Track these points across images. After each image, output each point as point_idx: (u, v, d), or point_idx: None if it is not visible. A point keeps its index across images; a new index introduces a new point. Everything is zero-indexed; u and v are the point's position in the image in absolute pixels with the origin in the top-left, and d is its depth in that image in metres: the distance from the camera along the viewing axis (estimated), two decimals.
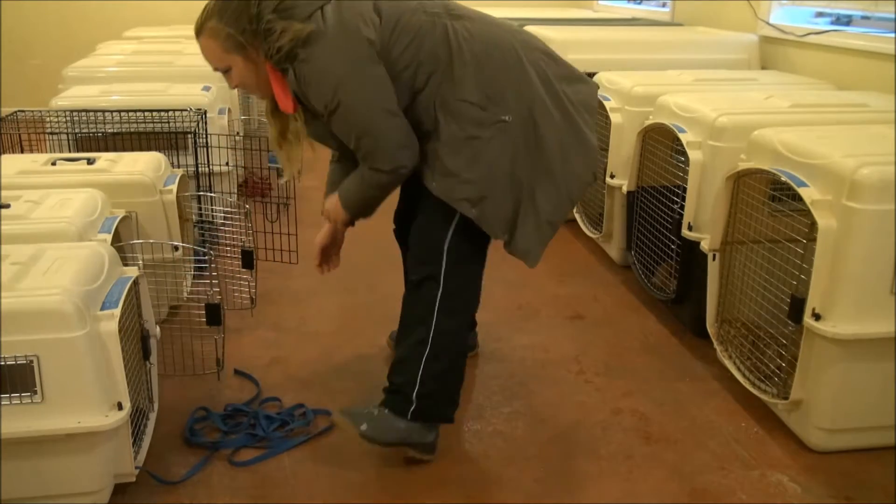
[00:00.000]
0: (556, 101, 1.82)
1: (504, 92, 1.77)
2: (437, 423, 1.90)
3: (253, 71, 1.80)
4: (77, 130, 2.84)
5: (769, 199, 2.11)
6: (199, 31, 1.83)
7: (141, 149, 2.77)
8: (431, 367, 1.83)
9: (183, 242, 2.43)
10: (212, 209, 2.85)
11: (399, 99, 1.76)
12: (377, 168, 1.78)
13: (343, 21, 1.72)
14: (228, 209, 2.95)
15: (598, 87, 1.99)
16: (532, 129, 1.79)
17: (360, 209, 1.92)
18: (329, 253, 2.11)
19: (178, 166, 2.71)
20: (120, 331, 1.60)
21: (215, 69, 1.85)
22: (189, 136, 2.84)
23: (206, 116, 3.01)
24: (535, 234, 1.84)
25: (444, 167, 1.78)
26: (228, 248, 2.81)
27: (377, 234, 3.39)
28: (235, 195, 3.43)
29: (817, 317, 1.83)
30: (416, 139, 1.79)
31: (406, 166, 1.78)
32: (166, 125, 2.86)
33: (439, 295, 1.84)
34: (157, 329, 1.98)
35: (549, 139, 1.80)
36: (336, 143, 1.89)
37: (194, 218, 2.73)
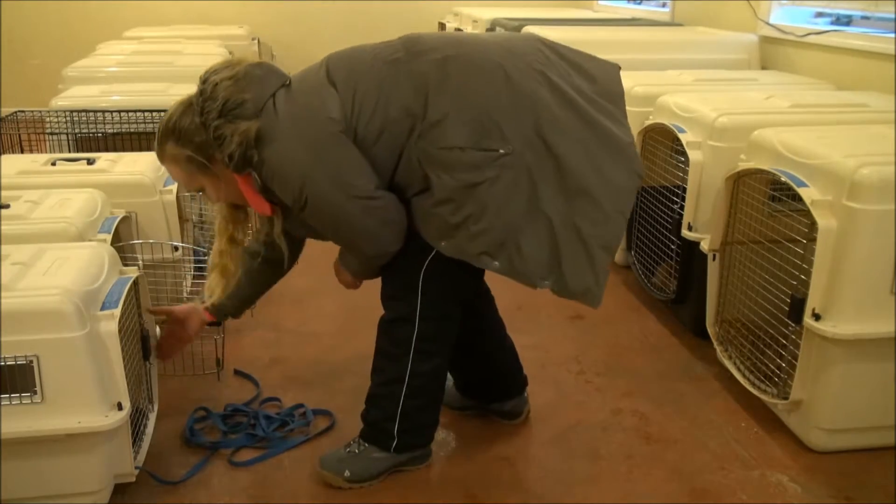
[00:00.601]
0: (567, 104, 1.58)
1: (496, 121, 1.54)
2: (421, 448, 1.87)
3: (223, 186, 1.67)
4: (77, 130, 2.84)
5: (769, 199, 2.11)
6: (161, 157, 1.69)
7: (141, 149, 2.77)
8: (410, 405, 1.77)
9: (183, 242, 2.43)
10: (212, 209, 2.84)
11: (382, 168, 1.59)
12: (363, 255, 1.70)
13: (296, 106, 1.57)
14: None
15: (619, 67, 1.73)
16: (544, 150, 1.55)
17: (365, 274, 1.81)
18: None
19: None
20: (120, 331, 1.60)
21: (191, 191, 1.74)
22: None
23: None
24: (589, 267, 1.60)
25: (447, 225, 1.58)
26: None
27: None
28: None
29: (817, 317, 1.83)
30: (403, 211, 1.63)
31: (392, 250, 1.65)
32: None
33: (414, 337, 1.72)
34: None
35: (569, 155, 1.56)
36: (321, 236, 1.74)
37: (194, 218, 2.73)
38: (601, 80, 1.66)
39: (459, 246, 1.59)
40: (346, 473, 1.79)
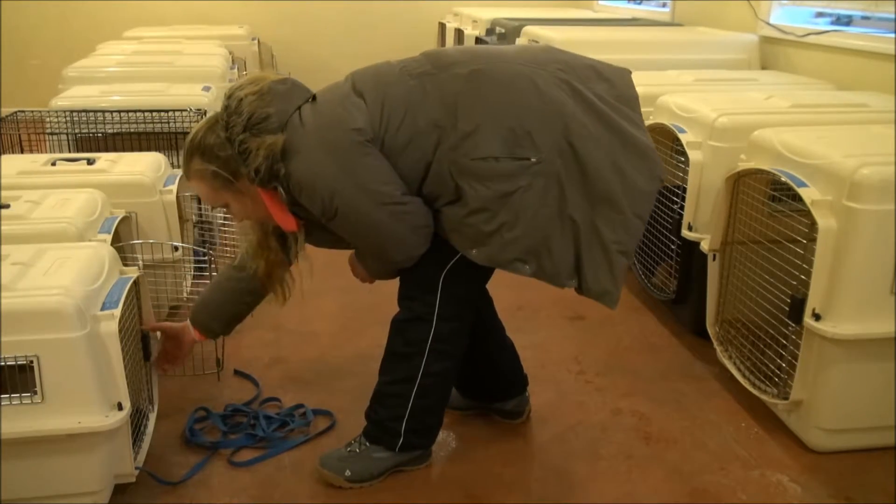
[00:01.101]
0: (590, 110, 1.60)
1: (527, 129, 1.56)
2: (423, 448, 1.87)
3: (249, 203, 1.68)
4: (77, 131, 2.84)
5: (769, 199, 2.11)
6: (187, 173, 1.70)
7: (141, 149, 2.77)
8: (419, 404, 1.78)
9: (183, 242, 2.43)
10: (212, 209, 2.85)
11: (409, 179, 1.61)
12: (391, 261, 1.71)
13: (322, 117, 1.59)
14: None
15: (630, 72, 1.75)
16: (572, 157, 1.58)
17: (383, 277, 1.84)
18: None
19: (178, 166, 2.71)
20: (120, 331, 1.60)
21: (216, 208, 1.76)
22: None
23: (206, 116, 3.01)
24: (608, 271, 1.64)
25: (481, 233, 1.60)
26: (228, 248, 2.81)
27: None
28: None
29: (817, 317, 1.83)
30: (430, 216, 1.65)
31: (420, 250, 1.67)
32: (166, 125, 2.86)
33: (430, 337, 1.73)
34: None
35: (595, 161, 1.59)
36: (344, 245, 1.78)
37: (194, 218, 2.73)
38: (618, 85, 1.68)
39: (492, 253, 1.61)
40: (347, 473, 1.79)
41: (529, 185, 1.56)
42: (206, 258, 2.55)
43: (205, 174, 1.66)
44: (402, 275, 1.78)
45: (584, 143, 1.58)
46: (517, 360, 2.07)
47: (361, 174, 1.57)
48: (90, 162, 2.39)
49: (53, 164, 2.36)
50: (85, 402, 1.55)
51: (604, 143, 1.60)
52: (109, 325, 1.58)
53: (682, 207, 2.43)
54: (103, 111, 2.88)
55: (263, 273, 1.81)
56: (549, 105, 1.58)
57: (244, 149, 1.57)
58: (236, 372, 2.28)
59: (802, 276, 1.88)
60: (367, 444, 1.82)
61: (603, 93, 1.64)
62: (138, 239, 2.27)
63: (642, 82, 2.90)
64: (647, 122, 2.65)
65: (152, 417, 1.91)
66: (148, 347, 1.88)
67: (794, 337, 1.93)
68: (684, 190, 2.41)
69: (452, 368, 1.83)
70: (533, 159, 1.56)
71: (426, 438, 1.86)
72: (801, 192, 1.85)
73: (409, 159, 1.60)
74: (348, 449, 1.83)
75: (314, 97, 1.65)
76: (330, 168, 1.57)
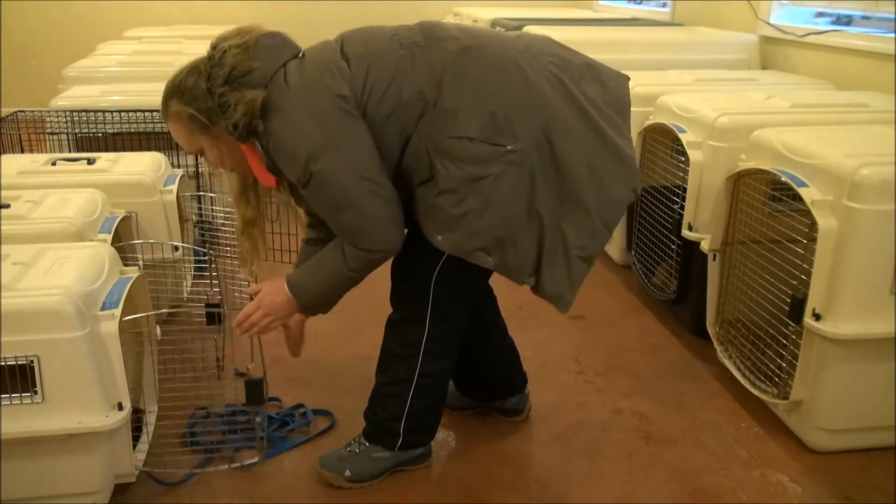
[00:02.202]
0: (577, 110, 1.57)
1: (509, 117, 1.53)
2: (422, 447, 1.87)
3: (225, 150, 1.63)
4: (77, 130, 2.84)
5: (769, 199, 2.11)
6: (164, 115, 1.65)
7: (141, 149, 2.77)
8: (417, 404, 1.77)
9: (183, 242, 2.43)
10: (212, 209, 2.85)
11: (389, 152, 1.57)
12: (364, 248, 1.59)
13: (307, 78, 1.54)
14: (228, 209, 2.95)
15: (629, 79, 1.72)
16: (549, 152, 1.55)
17: (321, 300, 1.70)
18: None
19: (178, 166, 2.71)
20: (120, 331, 1.60)
21: (189, 153, 1.70)
22: None
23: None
24: (566, 275, 1.60)
25: (449, 218, 1.55)
26: (228, 248, 2.80)
27: None
28: None
29: (817, 317, 1.83)
30: (401, 210, 1.60)
31: (396, 244, 1.60)
32: (166, 125, 2.86)
33: (424, 339, 1.71)
34: (158, 329, 1.98)
35: (572, 161, 1.56)
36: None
37: (194, 218, 2.73)
38: (612, 89, 1.65)
39: (457, 241, 1.57)
40: (347, 473, 1.79)
41: (502, 174, 1.52)
42: (206, 258, 2.54)
43: (181, 116, 1.60)
44: (393, 276, 1.75)
45: (564, 141, 1.55)
46: (517, 357, 2.07)
47: (344, 142, 1.52)
48: (90, 162, 2.39)
49: (53, 163, 2.36)
50: (85, 401, 1.55)
51: (584, 145, 1.57)
52: (109, 325, 1.58)
53: (682, 207, 2.43)
54: (103, 111, 2.88)
55: (238, 228, 1.77)
56: (534, 96, 1.55)
57: (223, 102, 1.53)
58: (236, 372, 2.28)
59: (802, 276, 1.88)
60: (367, 443, 1.82)
61: (594, 95, 1.61)
62: (138, 239, 2.27)
63: (642, 82, 2.92)
64: (647, 122, 2.67)
65: (152, 417, 1.91)
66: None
67: (794, 337, 1.93)
68: (684, 190, 2.41)
69: (449, 367, 1.82)
70: (509, 147, 1.52)
71: (425, 437, 1.86)
72: (802, 192, 1.85)
73: (391, 131, 1.55)
74: (348, 449, 1.83)
75: (303, 54, 1.60)
76: (312, 131, 1.52)
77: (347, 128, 1.52)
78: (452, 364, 1.83)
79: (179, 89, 1.59)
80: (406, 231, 1.66)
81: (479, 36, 1.61)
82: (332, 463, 1.82)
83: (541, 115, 1.54)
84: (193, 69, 1.59)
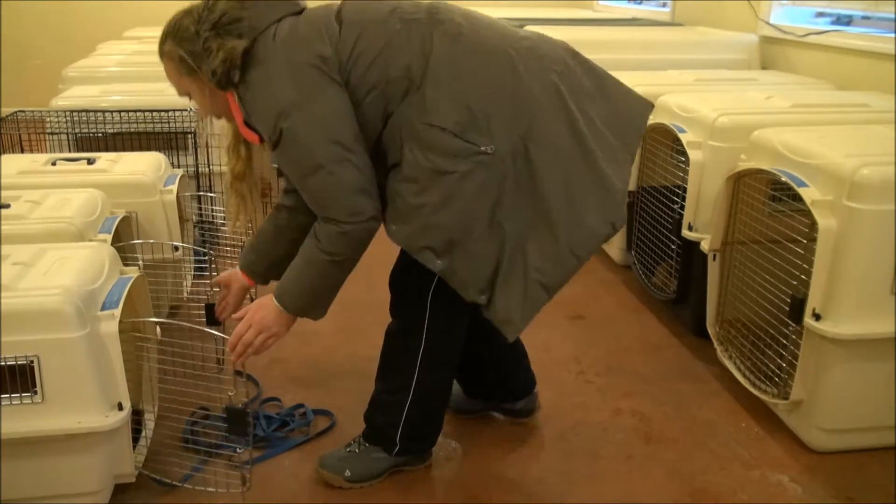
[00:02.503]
0: (567, 124, 1.49)
1: (489, 115, 1.45)
2: (422, 453, 1.87)
3: (209, 97, 1.61)
4: (77, 130, 2.84)
5: (769, 199, 2.11)
6: (160, 54, 1.64)
7: (141, 149, 2.77)
8: (414, 413, 1.76)
9: (183, 242, 2.43)
10: (212, 209, 2.85)
11: (368, 127, 1.51)
12: (331, 218, 1.50)
13: (293, 36, 1.50)
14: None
15: (652, 106, 1.64)
16: (524, 163, 1.47)
17: (308, 299, 1.61)
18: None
19: (178, 166, 2.72)
20: (120, 331, 1.60)
21: (181, 95, 1.69)
22: (189, 136, 2.84)
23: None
24: (520, 300, 1.51)
25: (406, 207, 1.49)
26: (228, 248, 2.80)
27: (378, 232, 3.39)
28: None
29: (817, 317, 1.83)
30: (374, 182, 1.52)
31: (365, 217, 1.50)
32: (166, 125, 2.86)
33: (421, 351, 1.68)
34: (158, 329, 1.98)
35: (546, 175, 1.48)
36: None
37: (194, 218, 2.73)
38: (622, 113, 1.57)
39: (408, 234, 1.51)
40: (347, 473, 1.79)
41: (469, 173, 1.46)
42: (206, 258, 2.54)
43: (173, 56, 1.59)
44: (391, 287, 1.74)
45: (543, 153, 1.48)
46: (525, 359, 2.04)
47: (317, 102, 1.47)
48: (90, 162, 2.39)
49: (54, 163, 2.36)
50: (85, 402, 1.55)
51: (564, 162, 1.49)
52: (109, 325, 1.58)
53: (682, 207, 2.43)
54: (103, 111, 2.88)
55: (226, 181, 1.74)
56: (520, 98, 1.48)
57: (206, 46, 1.51)
58: (236, 372, 2.28)
59: (802, 276, 1.87)
60: (367, 444, 1.82)
61: (594, 113, 1.53)
62: (138, 239, 2.27)
63: (642, 82, 2.92)
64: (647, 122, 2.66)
65: (152, 417, 1.91)
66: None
67: (794, 337, 1.93)
68: (684, 190, 2.41)
69: (447, 377, 1.80)
70: (482, 147, 1.45)
71: (423, 444, 1.86)
72: (802, 192, 1.85)
73: (373, 105, 1.50)
74: (348, 449, 1.83)
75: (301, 11, 1.57)
76: (285, 87, 1.48)
77: (323, 89, 1.47)
78: (451, 374, 1.81)
79: (174, 29, 1.59)
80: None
81: (482, 26, 1.54)
82: (332, 463, 1.81)
83: (523, 120, 1.48)
84: (189, 11, 1.58)
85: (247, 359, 1.65)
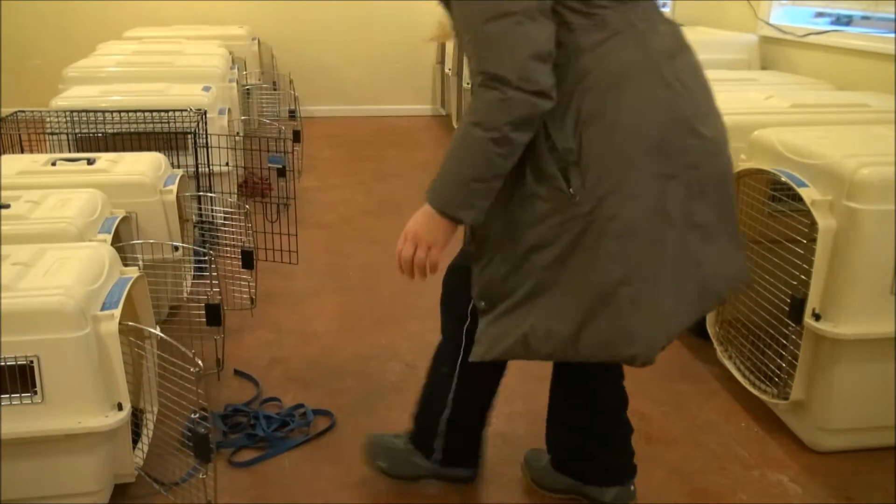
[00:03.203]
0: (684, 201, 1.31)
1: (592, 156, 1.27)
2: (460, 468, 1.81)
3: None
4: (77, 131, 2.84)
5: (769, 199, 2.11)
6: None
7: (141, 149, 2.77)
8: (450, 425, 1.71)
9: (183, 242, 2.43)
10: (212, 209, 2.85)
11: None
12: (498, 76, 1.22)
13: None
14: (228, 209, 2.95)
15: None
16: (600, 222, 1.28)
17: (456, 187, 1.31)
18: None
19: (178, 166, 2.72)
20: (119, 331, 1.60)
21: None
22: (189, 136, 2.84)
23: (206, 116, 3.01)
24: (501, 336, 1.40)
25: (541, 175, 1.31)
26: (228, 248, 2.81)
27: (378, 233, 3.39)
28: (235, 195, 3.43)
29: (817, 317, 1.83)
30: (551, 51, 1.25)
31: (539, 87, 1.22)
32: (166, 125, 2.86)
33: (459, 363, 1.61)
34: (158, 329, 1.98)
35: (610, 250, 1.30)
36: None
37: (194, 218, 2.73)
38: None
39: (471, 238, 1.41)
40: (383, 464, 1.80)
41: (541, 207, 1.32)
42: (206, 258, 2.55)
43: None
44: (441, 303, 1.66)
45: (616, 227, 1.29)
46: (629, 441, 1.72)
47: None
48: (90, 162, 2.39)
49: (53, 164, 2.36)
50: (85, 402, 1.55)
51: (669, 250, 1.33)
52: (109, 325, 1.58)
53: None
54: (103, 111, 2.89)
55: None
56: (628, 157, 1.28)
57: None
58: (236, 372, 2.28)
59: (802, 276, 1.88)
60: (411, 445, 1.80)
61: (701, 217, 1.36)
62: (138, 239, 2.27)
63: None
64: None
65: (152, 417, 1.91)
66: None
67: (794, 337, 1.93)
68: None
69: (483, 400, 1.71)
70: (569, 189, 1.29)
71: (459, 459, 1.79)
72: (801, 192, 1.85)
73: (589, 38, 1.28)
74: (396, 440, 1.81)
75: None
76: None
77: None
78: (487, 398, 1.71)
79: None
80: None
81: (682, 79, 1.41)
82: (378, 449, 1.81)
83: (621, 178, 1.28)
84: None
85: (422, 276, 1.40)
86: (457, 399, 1.67)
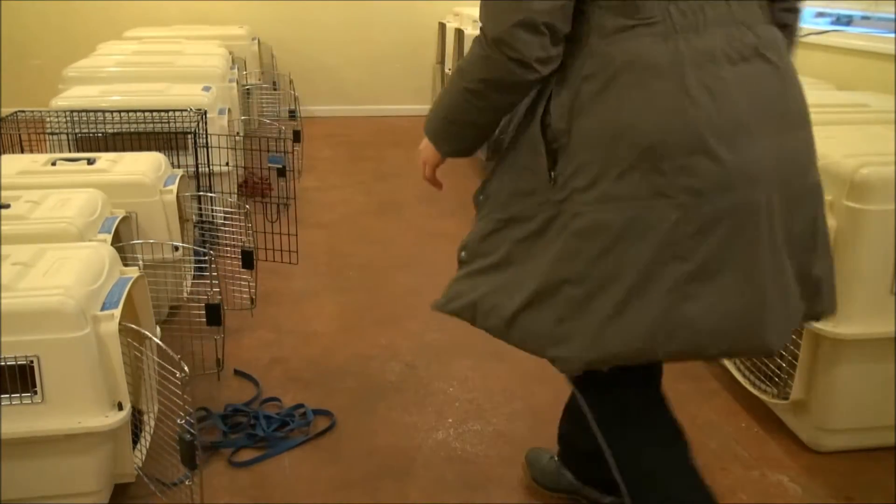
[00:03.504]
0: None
1: (578, 144, 1.22)
2: (604, 488, 1.71)
3: None
4: (77, 131, 2.84)
5: None
6: None
7: (141, 149, 2.77)
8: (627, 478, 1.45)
9: (183, 242, 2.43)
10: (212, 209, 2.85)
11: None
12: (484, 33, 1.21)
13: None
14: (228, 209, 2.95)
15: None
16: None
17: (443, 125, 1.36)
18: None
19: (178, 166, 2.72)
20: (119, 331, 1.60)
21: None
22: (189, 136, 2.84)
23: (206, 116, 3.01)
24: (482, 293, 1.35)
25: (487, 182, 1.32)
26: (228, 248, 2.81)
27: (378, 233, 3.39)
28: (235, 195, 3.43)
29: None
30: (560, 48, 1.21)
31: (517, 56, 1.18)
32: (166, 125, 2.87)
33: (586, 396, 1.49)
34: (158, 329, 1.99)
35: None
36: None
37: (194, 218, 2.73)
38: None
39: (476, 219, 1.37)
40: (536, 476, 1.81)
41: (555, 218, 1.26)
42: (206, 258, 2.55)
43: None
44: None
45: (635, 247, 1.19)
46: None
47: None
48: (90, 162, 2.39)
49: (54, 164, 2.37)
50: (85, 402, 1.55)
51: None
52: (109, 325, 1.58)
53: None
54: (103, 111, 2.89)
55: None
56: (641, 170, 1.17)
57: None
58: (236, 372, 2.28)
59: None
60: (557, 460, 1.79)
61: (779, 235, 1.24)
62: (138, 239, 2.27)
63: None
64: None
65: (152, 417, 1.91)
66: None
67: (794, 337, 1.93)
68: None
69: (641, 437, 1.43)
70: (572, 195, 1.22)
71: (604, 483, 1.67)
72: None
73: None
74: (549, 459, 1.81)
75: None
76: None
77: None
78: (646, 435, 1.43)
79: None
80: None
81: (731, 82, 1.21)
82: (536, 466, 1.82)
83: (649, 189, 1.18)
84: None
85: (435, 185, 1.49)
86: (609, 448, 1.44)
